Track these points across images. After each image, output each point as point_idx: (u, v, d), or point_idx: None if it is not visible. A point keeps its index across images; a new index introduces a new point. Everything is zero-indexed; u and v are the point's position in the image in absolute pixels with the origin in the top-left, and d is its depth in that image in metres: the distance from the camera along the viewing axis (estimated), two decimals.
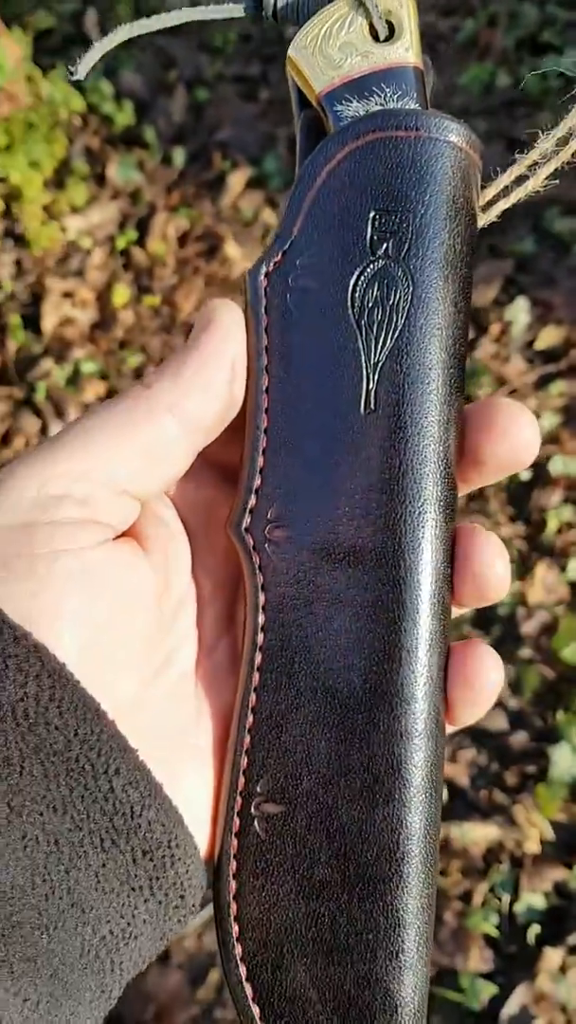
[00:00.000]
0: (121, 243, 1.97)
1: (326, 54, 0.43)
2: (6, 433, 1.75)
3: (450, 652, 0.44)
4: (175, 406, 0.41)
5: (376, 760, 0.41)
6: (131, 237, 1.98)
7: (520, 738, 1.42)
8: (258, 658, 0.42)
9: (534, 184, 0.45)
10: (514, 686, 1.47)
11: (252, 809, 0.41)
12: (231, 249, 1.92)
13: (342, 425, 0.42)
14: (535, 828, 1.34)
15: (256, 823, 0.41)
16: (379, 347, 0.42)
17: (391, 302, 0.41)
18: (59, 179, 2.03)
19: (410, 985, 0.41)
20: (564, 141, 0.44)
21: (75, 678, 0.37)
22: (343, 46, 0.43)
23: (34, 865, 0.35)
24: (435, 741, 0.42)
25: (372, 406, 0.41)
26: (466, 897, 1.32)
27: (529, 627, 1.50)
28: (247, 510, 0.43)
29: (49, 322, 1.86)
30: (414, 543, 0.41)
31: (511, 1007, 1.22)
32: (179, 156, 2.08)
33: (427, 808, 0.41)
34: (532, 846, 1.33)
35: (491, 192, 0.46)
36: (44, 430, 1.74)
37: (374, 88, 0.43)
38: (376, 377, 0.42)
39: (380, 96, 0.43)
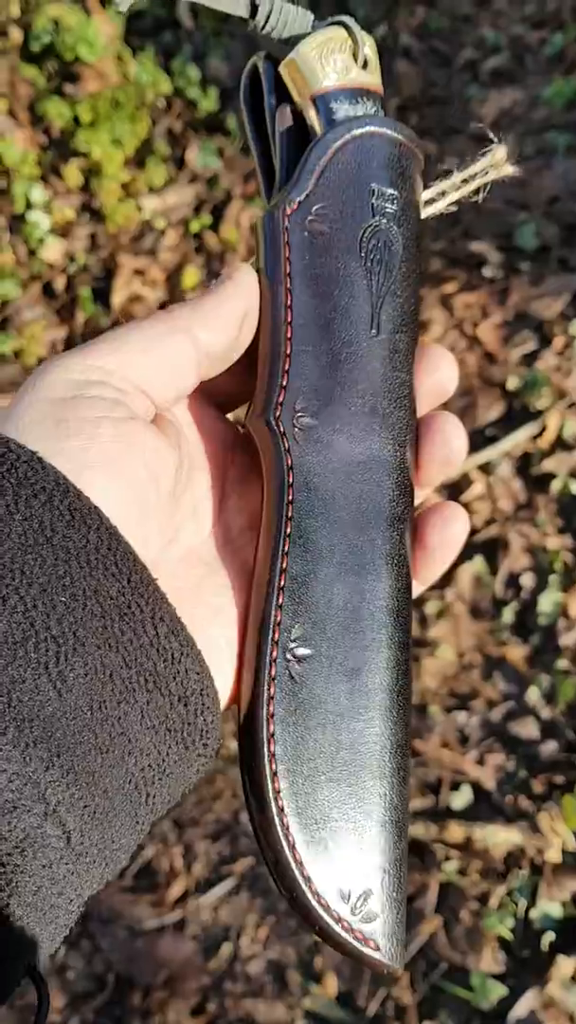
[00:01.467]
0: (195, 227, 2.00)
1: (324, 63, 0.55)
2: None
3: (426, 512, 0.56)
4: (191, 330, 0.47)
5: (382, 610, 0.50)
6: (205, 222, 2.01)
7: (550, 747, 1.43)
8: (288, 527, 0.49)
9: (441, 207, 0.60)
10: (548, 696, 1.47)
11: (287, 655, 0.47)
12: None
13: (354, 340, 0.52)
14: (558, 837, 1.34)
15: (290, 667, 0.47)
16: (380, 284, 0.53)
17: (387, 255, 0.53)
18: (140, 159, 2.06)
19: (403, 793, 0.49)
20: (466, 181, 0.60)
21: (124, 536, 0.41)
22: (337, 61, 0.56)
23: (91, 692, 0.38)
24: (406, 584, 0.52)
25: (377, 329, 0.52)
26: (483, 898, 1.33)
27: (569, 639, 1.50)
28: (277, 402, 0.50)
29: (119, 297, 1.89)
30: (403, 442, 0.52)
31: (519, 1010, 1.23)
32: None
33: (408, 648, 0.51)
34: (554, 855, 1.34)
35: (427, 195, 0.60)
36: None
37: (359, 98, 0.56)
38: (379, 307, 0.52)
39: (363, 105, 0.55)
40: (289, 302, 0.51)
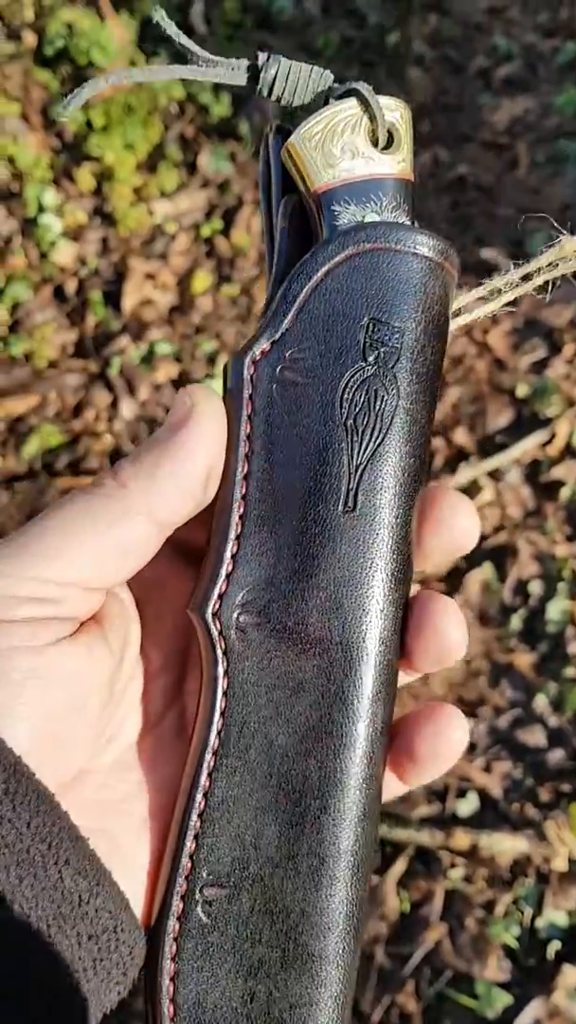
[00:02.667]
0: (206, 231, 2.00)
1: (327, 151, 0.43)
2: (78, 405, 1.79)
3: (416, 714, 0.47)
4: (149, 507, 0.41)
5: (325, 844, 0.41)
6: (216, 226, 2.01)
7: (557, 756, 1.43)
8: (214, 742, 0.42)
9: (494, 307, 0.48)
10: (556, 704, 1.47)
11: (196, 893, 0.41)
12: None
13: (320, 520, 0.42)
14: (565, 846, 1.34)
15: (200, 907, 0.41)
16: (363, 450, 0.43)
17: (377, 409, 0.43)
18: (152, 163, 2.07)
19: None
20: (528, 277, 0.48)
21: (30, 770, 0.38)
22: (345, 147, 0.44)
23: None
24: (374, 824, 0.43)
25: (351, 505, 0.42)
26: (489, 906, 1.32)
27: None
28: (217, 595, 0.43)
29: (129, 301, 1.89)
30: (378, 640, 0.43)
31: (525, 1019, 1.23)
32: None
33: (364, 884, 0.43)
34: (560, 863, 1.33)
35: (456, 305, 0.48)
36: (115, 404, 1.78)
37: (372, 195, 0.44)
38: (357, 479, 0.43)
39: (376, 204, 0.44)
40: (246, 471, 0.43)
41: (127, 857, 0.43)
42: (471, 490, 1.67)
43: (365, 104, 0.43)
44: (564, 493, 1.65)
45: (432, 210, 2.03)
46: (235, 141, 2.13)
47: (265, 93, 0.44)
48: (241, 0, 2.32)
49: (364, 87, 0.43)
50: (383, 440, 0.43)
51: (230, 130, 2.14)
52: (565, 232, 0.47)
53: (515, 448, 1.69)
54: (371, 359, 0.43)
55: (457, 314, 0.48)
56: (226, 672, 0.43)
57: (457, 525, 0.46)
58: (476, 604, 1.58)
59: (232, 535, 0.43)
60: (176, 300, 1.93)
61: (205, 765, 0.42)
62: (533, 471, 1.69)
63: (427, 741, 0.46)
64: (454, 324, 0.48)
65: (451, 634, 0.45)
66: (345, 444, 0.43)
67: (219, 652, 0.43)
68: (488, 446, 1.72)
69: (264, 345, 0.44)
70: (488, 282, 0.47)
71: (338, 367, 0.43)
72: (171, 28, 0.43)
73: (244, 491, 0.43)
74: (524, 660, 1.52)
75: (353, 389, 0.43)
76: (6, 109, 2.00)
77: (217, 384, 0.45)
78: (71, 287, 1.93)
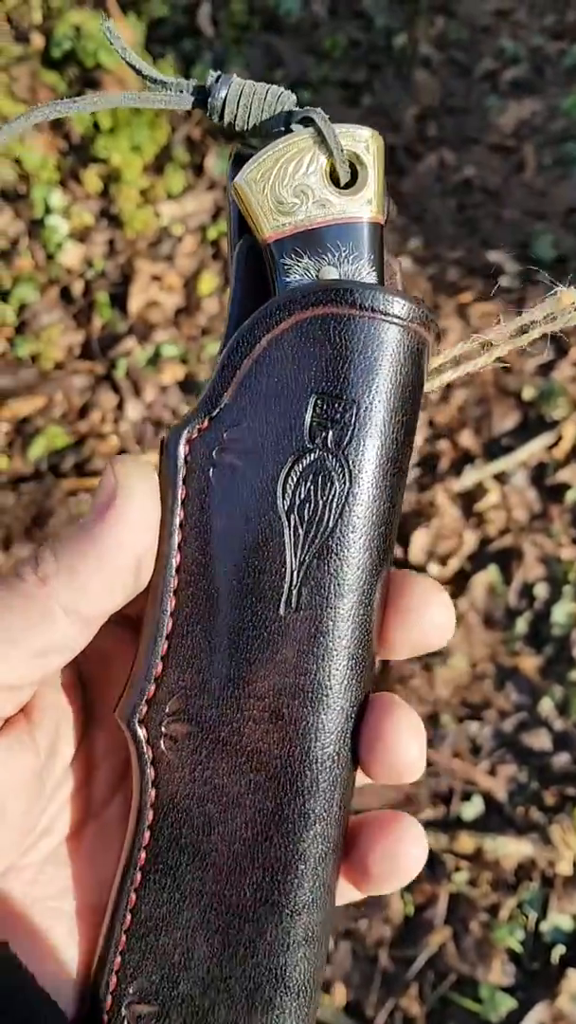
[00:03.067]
0: (212, 233, 2.00)
1: (278, 195, 0.38)
2: (84, 406, 1.79)
3: (371, 823, 0.43)
4: (73, 604, 0.37)
5: (260, 969, 0.39)
6: (223, 228, 2.01)
7: (562, 759, 1.42)
8: (141, 856, 0.39)
9: (484, 361, 0.43)
10: (561, 707, 1.47)
11: (123, 1009, 0.39)
12: None
13: (259, 621, 0.38)
14: (570, 850, 1.33)
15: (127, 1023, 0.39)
16: (307, 545, 0.38)
17: (325, 498, 0.38)
18: (158, 165, 2.07)
19: None
20: (523, 330, 0.43)
21: None
22: (298, 189, 0.38)
23: None
24: (320, 945, 0.40)
25: (293, 605, 0.38)
26: (493, 910, 1.32)
27: None
28: (144, 699, 0.39)
29: (136, 303, 1.90)
30: (323, 756, 0.39)
31: (529, 1023, 1.22)
32: None
33: (306, 1012, 0.40)
34: (565, 867, 1.33)
35: (439, 361, 0.43)
36: (121, 406, 1.78)
37: (328, 244, 0.38)
38: (300, 576, 0.38)
39: (334, 255, 0.38)
40: (178, 563, 0.39)
41: (58, 955, 0.41)
42: (477, 493, 1.67)
43: (320, 136, 0.37)
44: (570, 496, 1.65)
45: (438, 213, 2.03)
46: (242, 143, 2.13)
47: (215, 118, 0.38)
48: (248, 2, 2.32)
49: (319, 115, 0.37)
50: (332, 532, 0.38)
51: (237, 132, 2.14)
52: (561, 285, 0.42)
53: (521, 451, 1.69)
54: (319, 440, 0.37)
55: (443, 369, 0.43)
56: (154, 783, 0.39)
57: (428, 619, 0.41)
58: (481, 607, 1.57)
59: (162, 634, 0.39)
60: (182, 302, 1.93)
61: (130, 881, 0.39)
62: (539, 474, 1.69)
63: (381, 861, 0.42)
64: (437, 382, 0.43)
65: (406, 752, 0.40)
66: (288, 537, 0.38)
67: (147, 762, 0.39)
68: (494, 448, 1.72)
69: (201, 422, 0.39)
70: (480, 335, 0.42)
71: (281, 450, 0.38)
72: (118, 43, 0.37)
73: (176, 585, 0.39)
74: (529, 663, 1.51)
75: (297, 476, 0.38)
76: (13, 111, 2.00)
77: (154, 455, 0.41)
78: (78, 289, 1.93)
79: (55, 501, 1.67)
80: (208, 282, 1.92)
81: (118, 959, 0.39)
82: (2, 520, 1.66)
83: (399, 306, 0.37)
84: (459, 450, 1.71)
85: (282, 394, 0.38)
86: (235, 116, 0.38)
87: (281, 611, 0.38)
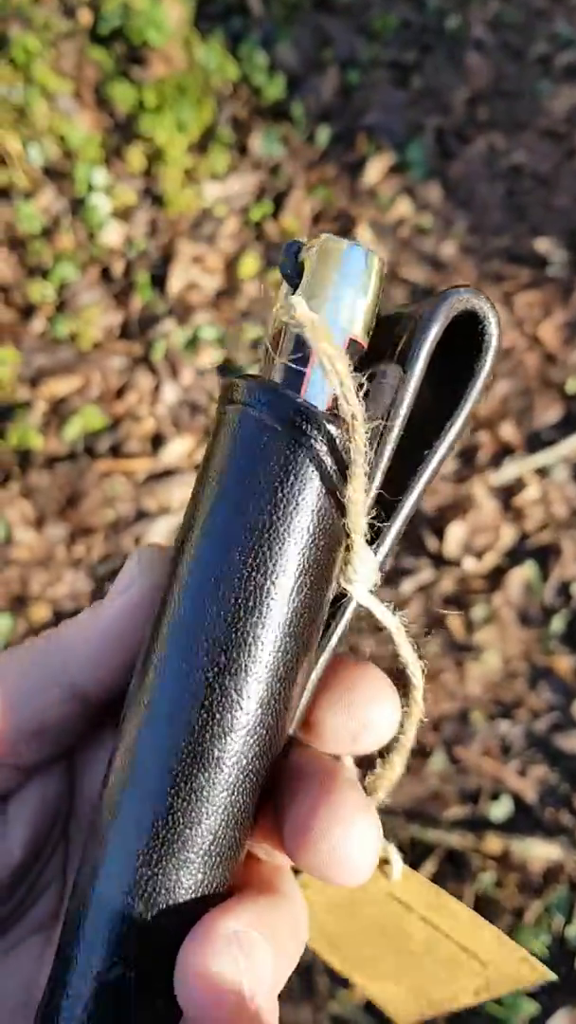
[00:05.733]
0: (255, 215, 1.98)
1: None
2: (121, 388, 1.78)
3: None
4: (71, 679, 0.36)
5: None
6: (266, 210, 1.98)
7: None
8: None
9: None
10: None
11: None
12: (363, 233, 1.91)
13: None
14: None
15: None
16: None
17: None
18: (203, 145, 2.05)
19: None
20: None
21: None
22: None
23: None
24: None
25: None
26: (519, 913, 1.30)
27: None
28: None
29: (176, 284, 1.88)
30: None
31: None
32: (324, 135, 2.07)
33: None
34: None
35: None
36: (158, 388, 1.76)
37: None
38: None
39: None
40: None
41: None
42: (516, 487, 1.63)
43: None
44: None
45: (486, 198, 1.99)
46: (288, 123, 2.10)
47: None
48: None
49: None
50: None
51: (283, 112, 2.11)
52: None
53: (563, 445, 1.65)
54: None
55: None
56: None
57: (366, 716, 0.35)
58: (516, 603, 1.54)
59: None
60: (223, 284, 1.91)
61: None
62: None
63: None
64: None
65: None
66: None
67: None
68: (535, 442, 1.68)
69: None
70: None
71: None
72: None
73: None
74: (564, 663, 1.48)
75: None
76: (60, 87, 1.99)
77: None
78: (118, 268, 1.92)
79: (89, 483, 1.66)
80: (249, 265, 1.90)
81: None
82: (36, 500, 1.65)
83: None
84: (499, 442, 1.68)
85: None
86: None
87: None
